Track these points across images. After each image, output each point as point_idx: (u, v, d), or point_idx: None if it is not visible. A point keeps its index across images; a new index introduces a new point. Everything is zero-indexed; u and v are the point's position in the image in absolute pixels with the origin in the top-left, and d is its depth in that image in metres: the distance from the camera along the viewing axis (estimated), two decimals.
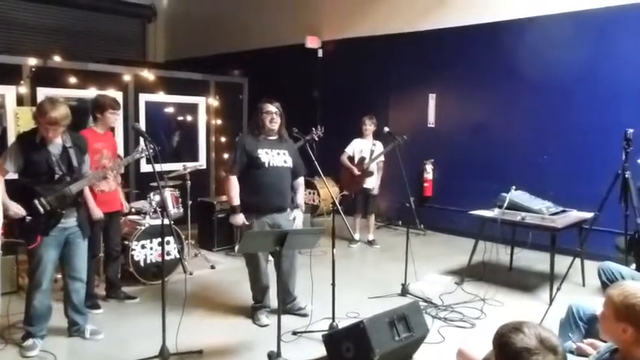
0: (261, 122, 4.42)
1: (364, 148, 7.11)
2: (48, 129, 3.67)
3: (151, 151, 3.72)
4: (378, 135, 7.10)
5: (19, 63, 6.38)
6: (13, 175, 3.82)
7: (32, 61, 6.41)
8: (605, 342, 2.46)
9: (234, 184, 4.40)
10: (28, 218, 3.69)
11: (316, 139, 6.90)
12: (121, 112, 4.85)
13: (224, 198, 7.07)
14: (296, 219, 4.54)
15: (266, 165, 4.36)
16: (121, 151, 5.08)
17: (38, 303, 3.82)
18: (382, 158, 7.06)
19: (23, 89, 6.28)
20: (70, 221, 3.86)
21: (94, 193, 4.42)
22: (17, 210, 3.67)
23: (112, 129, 4.86)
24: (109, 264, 4.88)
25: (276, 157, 4.42)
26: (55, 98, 3.83)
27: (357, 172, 7.05)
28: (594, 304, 3.19)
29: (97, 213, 4.38)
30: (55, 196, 3.73)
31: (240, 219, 4.38)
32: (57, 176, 3.76)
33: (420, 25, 8.02)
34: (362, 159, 7.07)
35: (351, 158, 7.17)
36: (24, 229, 3.73)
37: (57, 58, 7.04)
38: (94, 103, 4.64)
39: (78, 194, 3.87)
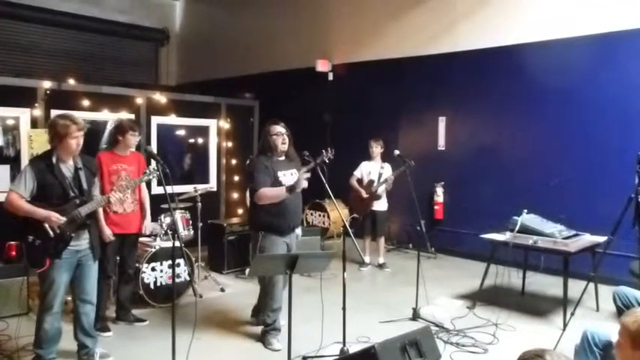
0: (273, 144, 4.43)
1: (372, 170, 7.11)
2: (78, 137, 3.72)
3: (158, 172, 3.71)
4: (387, 157, 7.12)
5: (33, 86, 6.49)
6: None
7: (47, 84, 6.52)
8: None
9: (266, 189, 4.29)
10: (37, 242, 3.66)
11: (327, 161, 6.86)
12: (140, 133, 4.90)
13: (234, 220, 7.13)
14: (298, 236, 4.67)
15: None
16: None
17: (49, 326, 3.80)
18: (391, 181, 7.05)
19: (37, 112, 6.38)
20: (82, 243, 3.86)
21: (106, 214, 4.45)
22: (57, 219, 3.65)
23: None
24: (121, 286, 4.88)
25: (290, 178, 4.43)
26: (63, 113, 3.88)
27: (365, 194, 7.05)
28: (609, 329, 3.15)
29: (107, 233, 4.39)
30: (65, 220, 3.71)
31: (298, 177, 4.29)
32: (69, 197, 3.76)
33: (430, 49, 8.08)
34: (370, 182, 7.07)
35: (359, 181, 7.18)
36: (32, 253, 3.69)
37: (71, 82, 7.16)
38: (116, 127, 4.76)
39: (88, 216, 3.86)
